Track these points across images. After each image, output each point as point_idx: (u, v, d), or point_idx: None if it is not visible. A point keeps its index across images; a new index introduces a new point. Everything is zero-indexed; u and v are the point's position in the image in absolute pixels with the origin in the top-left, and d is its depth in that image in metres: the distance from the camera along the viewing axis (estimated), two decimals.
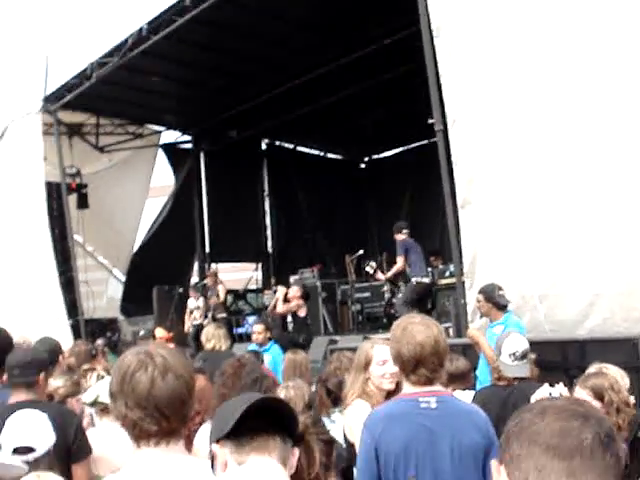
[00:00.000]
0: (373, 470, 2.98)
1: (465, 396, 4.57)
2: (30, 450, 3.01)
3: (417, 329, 3.15)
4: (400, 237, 11.67)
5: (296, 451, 2.01)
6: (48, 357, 4.33)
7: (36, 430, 3.09)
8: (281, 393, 4.07)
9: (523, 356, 4.90)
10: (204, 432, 3.49)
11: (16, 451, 2.99)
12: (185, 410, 2.16)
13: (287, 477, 1.95)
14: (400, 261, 11.56)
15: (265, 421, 1.93)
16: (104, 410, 4.20)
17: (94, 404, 4.29)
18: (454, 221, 8.81)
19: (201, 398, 3.51)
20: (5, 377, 4.11)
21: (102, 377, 5.31)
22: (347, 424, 3.71)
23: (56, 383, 4.76)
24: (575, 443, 1.28)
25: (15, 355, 4.07)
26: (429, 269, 12.62)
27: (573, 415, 1.32)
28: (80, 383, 5.16)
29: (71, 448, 3.66)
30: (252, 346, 9.21)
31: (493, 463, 1.39)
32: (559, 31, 7.75)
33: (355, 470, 3.22)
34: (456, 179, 8.65)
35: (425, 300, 11.80)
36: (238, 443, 1.93)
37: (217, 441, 1.95)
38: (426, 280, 11.58)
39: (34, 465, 2.89)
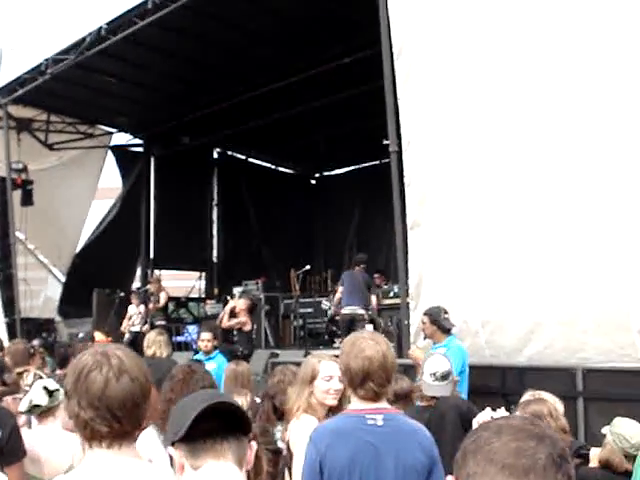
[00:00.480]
0: None
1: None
2: None
3: (366, 344, 3.19)
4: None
5: (253, 445, 1.99)
6: None
7: None
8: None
9: (443, 377, 5.04)
10: (145, 436, 3.45)
11: None
12: (139, 413, 2.13)
13: (244, 478, 1.95)
14: (339, 291, 12.30)
15: (218, 423, 1.92)
16: (42, 414, 4.11)
17: (30, 411, 4.18)
18: (402, 242, 8.89)
19: None
20: None
21: (39, 377, 5.22)
22: (292, 436, 3.70)
23: None
24: (530, 463, 1.30)
25: None
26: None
27: (529, 435, 1.35)
28: (17, 382, 5.05)
29: (3, 449, 3.57)
30: (198, 355, 9.16)
31: (449, 478, 1.41)
32: (514, 58, 7.90)
33: None
34: (407, 200, 8.73)
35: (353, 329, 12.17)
36: (193, 447, 1.92)
37: (172, 444, 1.94)
38: (346, 311, 11.98)
39: None
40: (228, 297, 15.00)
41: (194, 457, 1.91)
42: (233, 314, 11.12)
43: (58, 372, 6.44)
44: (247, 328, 11.07)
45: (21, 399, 4.91)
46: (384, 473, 2.99)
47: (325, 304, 13.29)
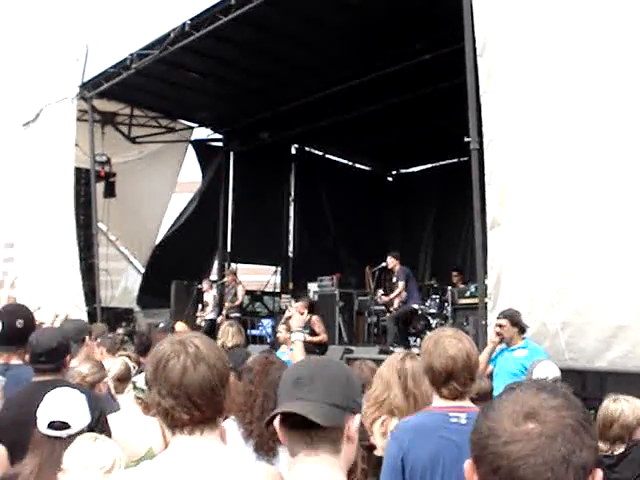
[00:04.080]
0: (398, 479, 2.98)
1: None
2: (65, 426, 3.03)
3: (449, 342, 3.15)
4: (398, 264, 12.74)
5: (357, 417, 1.92)
6: (74, 337, 4.33)
7: (74, 408, 3.10)
8: None
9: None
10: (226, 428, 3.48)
11: (51, 425, 3.02)
12: (218, 399, 2.17)
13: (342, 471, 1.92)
14: (402, 286, 12.46)
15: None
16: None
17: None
18: (482, 241, 8.78)
19: None
20: (27, 357, 4.10)
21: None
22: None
23: (82, 370, 4.76)
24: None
25: (41, 339, 3.99)
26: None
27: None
28: (104, 367, 5.18)
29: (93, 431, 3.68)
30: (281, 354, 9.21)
31: None
32: (601, 56, 7.72)
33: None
34: (488, 199, 8.61)
35: (411, 322, 12.81)
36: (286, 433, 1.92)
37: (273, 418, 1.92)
38: (415, 306, 12.56)
39: (67, 442, 2.90)
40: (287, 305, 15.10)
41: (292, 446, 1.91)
42: (313, 332, 11.28)
43: (141, 360, 6.59)
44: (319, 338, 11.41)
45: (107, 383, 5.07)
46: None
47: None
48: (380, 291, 13.37)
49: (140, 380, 4.37)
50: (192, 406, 2.10)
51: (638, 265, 7.35)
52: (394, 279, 12.80)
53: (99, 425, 3.36)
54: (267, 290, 19.70)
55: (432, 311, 13.37)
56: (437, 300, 13.66)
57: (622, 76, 7.57)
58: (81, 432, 3.01)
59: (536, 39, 8.28)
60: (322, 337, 11.62)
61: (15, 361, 4.36)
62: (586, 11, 7.85)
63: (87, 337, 5.37)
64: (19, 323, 4.41)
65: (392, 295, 12.64)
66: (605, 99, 7.66)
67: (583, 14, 7.88)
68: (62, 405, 3.08)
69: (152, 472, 2.08)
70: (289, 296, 17.55)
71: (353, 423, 1.86)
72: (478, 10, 8.67)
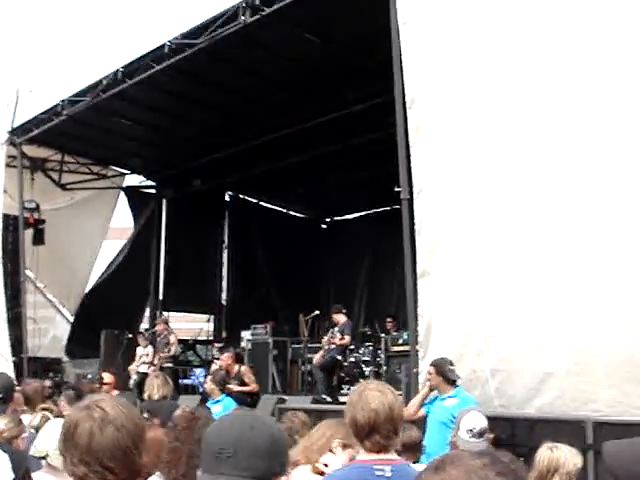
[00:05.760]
0: None
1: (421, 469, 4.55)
2: None
3: (372, 395, 3.17)
4: (343, 318, 12.82)
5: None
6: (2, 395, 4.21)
7: None
8: None
9: (481, 434, 4.94)
10: None
11: None
12: (132, 460, 2.12)
13: None
14: (348, 340, 12.63)
15: None
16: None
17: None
18: (412, 289, 8.86)
19: (149, 449, 3.43)
20: None
21: (47, 419, 5.20)
22: None
23: None
24: None
25: None
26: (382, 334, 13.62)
27: None
28: (21, 422, 5.03)
29: None
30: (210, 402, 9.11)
31: None
32: (525, 111, 7.96)
33: None
34: (417, 248, 8.70)
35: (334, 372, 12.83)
36: None
37: None
38: (339, 357, 12.65)
39: None
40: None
41: None
42: (242, 382, 11.19)
43: (67, 413, 6.41)
44: (249, 388, 11.32)
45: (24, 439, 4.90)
46: None
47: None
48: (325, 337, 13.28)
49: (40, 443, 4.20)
50: (104, 470, 2.05)
51: (562, 314, 7.51)
52: (336, 329, 12.76)
53: None
54: (200, 338, 19.47)
55: (366, 359, 13.38)
56: (371, 347, 13.67)
57: (541, 131, 7.81)
58: None
59: (463, 94, 8.49)
60: (252, 387, 11.52)
61: None
62: (510, 65, 8.11)
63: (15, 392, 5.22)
64: None
65: (338, 342, 12.59)
66: (528, 152, 7.88)
67: (506, 69, 8.13)
68: None
69: None
70: (222, 344, 17.39)
71: None
72: (407, 64, 8.85)
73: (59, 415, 5.88)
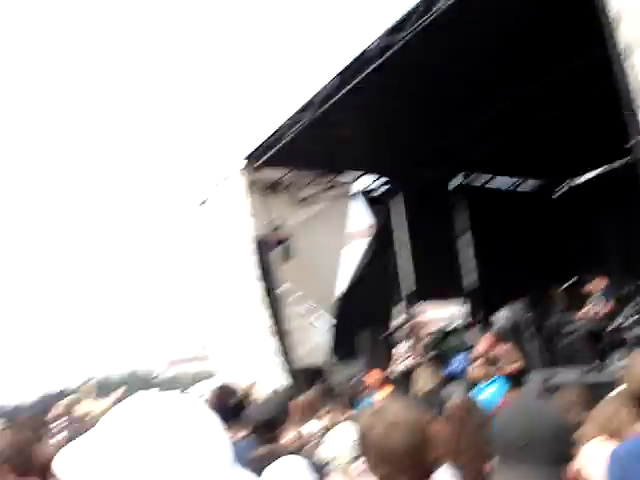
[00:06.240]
0: None
1: None
2: None
3: None
4: (602, 282, 12.55)
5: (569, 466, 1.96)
6: (282, 410, 4.51)
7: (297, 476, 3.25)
8: None
9: None
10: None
11: None
12: (423, 459, 2.27)
13: None
14: (609, 305, 12.26)
15: None
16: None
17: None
18: None
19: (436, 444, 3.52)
20: (244, 433, 4.32)
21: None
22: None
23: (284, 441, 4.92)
24: None
25: (256, 413, 4.26)
26: None
27: None
28: (302, 435, 5.33)
29: None
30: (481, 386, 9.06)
31: None
32: None
33: None
34: None
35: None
36: None
37: None
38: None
39: None
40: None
41: None
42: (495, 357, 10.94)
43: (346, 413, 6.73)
44: (516, 366, 10.99)
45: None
46: None
47: None
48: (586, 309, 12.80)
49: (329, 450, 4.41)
50: (405, 468, 2.21)
51: None
52: (598, 296, 12.30)
53: None
54: (455, 326, 19.50)
55: (631, 320, 12.61)
56: (636, 308, 12.89)
57: None
58: None
59: None
60: (518, 364, 11.28)
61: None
62: None
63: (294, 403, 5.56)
64: (231, 402, 4.68)
65: (604, 310, 12.25)
66: None
67: None
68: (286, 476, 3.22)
69: None
70: (477, 328, 17.32)
71: (567, 472, 1.86)
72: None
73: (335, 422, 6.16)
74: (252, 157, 16.27)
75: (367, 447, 2.26)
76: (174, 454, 1.20)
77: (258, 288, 15.92)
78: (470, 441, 3.58)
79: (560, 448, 1.85)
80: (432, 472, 2.29)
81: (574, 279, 13.37)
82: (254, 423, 4.17)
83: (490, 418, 3.88)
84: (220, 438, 1.31)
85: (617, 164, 18.32)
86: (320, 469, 3.61)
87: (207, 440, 1.26)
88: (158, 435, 1.20)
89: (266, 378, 12.63)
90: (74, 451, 1.21)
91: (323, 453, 4.57)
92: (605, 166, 19.38)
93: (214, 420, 1.32)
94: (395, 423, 2.23)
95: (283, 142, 15.06)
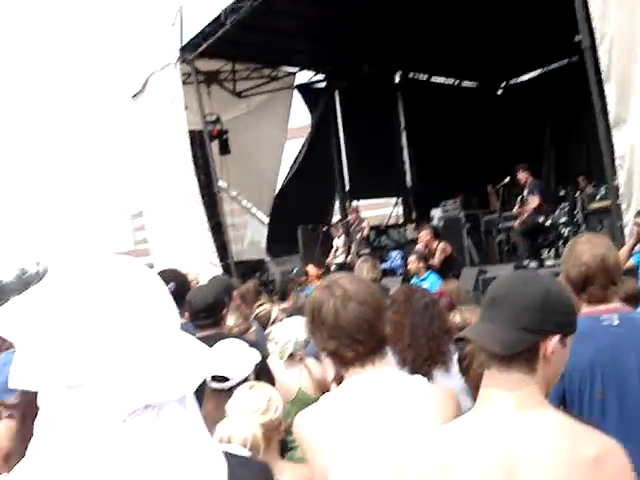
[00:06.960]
0: (558, 388, 2.96)
1: None
2: (225, 379, 3.19)
3: (582, 249, 3.15)
4: (530, 177, 12.69)
5: (554, 338, 1.89)
6: (224, 295, 4.50)
7: (235, 360, 3.27)
8: (456, 316, 4.08)
9: None
10: None
11: (214, 379, 3.19)
12: (377, 331, 2.28)
13: None
14: (538, 200, 12.31)
15: None
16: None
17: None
18: (607, 141, 8.48)
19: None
20: (187, 315, 4.31)
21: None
22: None
23: (229, 322, 4.94)
24: None
25: (197, 297, 4.25)
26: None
27: None
28: (249, 317, 5.36)
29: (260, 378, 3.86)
30: (415, 280, 9.24)
31: None
32: None
33: None
34: (607, 97, 8.29)
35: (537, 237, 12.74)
36: None
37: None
38: (540, 220, 12.42)
39: (229, 393, 3.04)
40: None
41: None
42: (430, 252, 11.04)
43: (283, 306, 6.79)
44: (448, 252, 11.12)
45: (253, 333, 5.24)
46: (626, 373, 2.93)
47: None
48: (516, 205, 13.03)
49: (275, 333, 4.44)
50: (354, 343, 2.22)
51: None
52: (525, 192, 12.51)
53: (263, 371, 3.53)
54: (391, 223, 19.73)
55: (563, 220, 12.99)
56: (566, 209, 13.25)
57: None
58: (245, 381, 3.16)
59: None
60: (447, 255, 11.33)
61: None
62: None
63: (234, 291, 5.55)
64: (170, 287, 4.61)
65: (528, 208, 12.41)
66: None
67: None
68: (224, 358, 3.24)
69: (336, 403, 2.23)
70: (413, 225, 17.53)
71: (550, 344, 1.83)
72: None
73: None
74: (187, 48, 15.70)
75: (319, 321, 2.24)
76: (123, 312, 1.15)
77: (195, 182, 15.68)
78: (412, 324, 3.64)
79: (540, 318, 1.81)
80: (382, 347, 2.30)
81: (508, 179, 13.52)
82: (195, 308, 4.15)
83: (437, 301, 3.96)
84: (167, 300, 1.27)
85: (557, 64, 18.41)
86: (261, 351, 3.63)
87: (156, 299, 1.22)
88: (106, 292, 1.16)
89: (203, 272, 12.58)
90: (14, 308, 1.14)
91: (265, 337, 4.62)
92: (546, 66, 19.40)
93: (160, 282, 1.27)
94: (350, 294, 2.23)
95: (220, 32, 14.56)
